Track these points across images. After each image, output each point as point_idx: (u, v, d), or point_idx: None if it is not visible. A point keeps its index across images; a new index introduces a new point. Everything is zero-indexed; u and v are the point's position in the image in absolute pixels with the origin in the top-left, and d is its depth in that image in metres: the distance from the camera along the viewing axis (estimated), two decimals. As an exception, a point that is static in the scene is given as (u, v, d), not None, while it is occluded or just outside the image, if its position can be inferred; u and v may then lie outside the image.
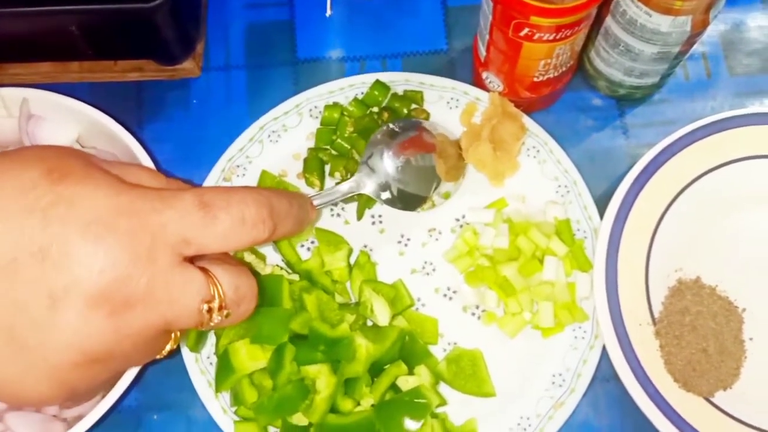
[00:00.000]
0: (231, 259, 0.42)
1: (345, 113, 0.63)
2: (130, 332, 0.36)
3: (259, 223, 0.39)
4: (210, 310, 0.38)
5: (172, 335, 0.41)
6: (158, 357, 0.42)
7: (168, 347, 0.41)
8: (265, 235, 0.40)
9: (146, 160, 0.57)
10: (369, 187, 0.58)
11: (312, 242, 0.62)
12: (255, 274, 0.58)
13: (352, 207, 0.63)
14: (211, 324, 0.38)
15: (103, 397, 0.52)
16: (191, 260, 0.38)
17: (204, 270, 0.38)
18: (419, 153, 0.60)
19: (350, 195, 0.58)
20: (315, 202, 0.53)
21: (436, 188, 0.60)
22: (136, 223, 0.35)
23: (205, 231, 0.37)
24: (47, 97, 0.59)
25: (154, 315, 0.36)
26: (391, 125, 0.60)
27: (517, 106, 0.62)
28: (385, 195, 0.59)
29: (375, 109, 0.63)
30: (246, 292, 0.40)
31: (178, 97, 0.67)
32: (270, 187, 0.42)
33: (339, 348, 0.53)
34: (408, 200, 0.60)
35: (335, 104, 0.63)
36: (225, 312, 0.39)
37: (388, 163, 0.59)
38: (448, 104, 0.64)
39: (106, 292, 0.34)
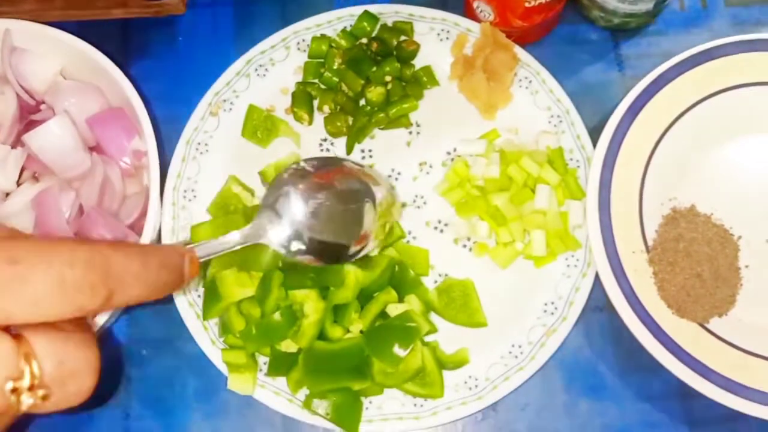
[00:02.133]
0: (65, 325, 0.32)
1: (333, 45, 0.62)
2: None
3: (86, 288, 0.30)
4: (16, 391, 0.29)
5: None
6: None
7: None
8: (94, 304, 0.31)
9: (131, 91, 0.56)
10: (272, 236, 0.47)
11: (301, 177, 0.61)
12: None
13: (341, 141, 0.62)
14: (22, 408, 0.30)
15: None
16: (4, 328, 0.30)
17: (18, 337, 0.30)
18: (338, 193, 0.50)
19: (246, 245, 0.46)
20: (198, 254, 0.42)
21: (359, 235, 0.50)
22: None
23: (11, 293, 0.29)
24: (30, 28, 0.58)
25: None
26: (302, 163, 0.50)
27: (509, 38, 0.61)
28: (296, 245, 0.48)
29: (364, 41, 0.62)
30: (77, 368, 0.31)
31: (163, 34, 0.66)
32: (121, 243, 0.34)
33: (327, 274, 0.52)
34: (324, 251, 0.49)
35: (323, 36, 0.62)
36: (40, 392, 0.30)
37: (297, 207, 0.48)
38: (438, 36, 0.63)
39: None
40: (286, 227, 0.48)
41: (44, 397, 0.30)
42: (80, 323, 0.33)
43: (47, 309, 0.30)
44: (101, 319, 0.51)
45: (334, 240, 0.50)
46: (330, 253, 0.50)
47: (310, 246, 0.48)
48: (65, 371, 0.31)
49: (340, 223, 0.50)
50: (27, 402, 0.30)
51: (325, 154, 0.61)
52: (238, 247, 0.46)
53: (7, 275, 0.29)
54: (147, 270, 0.34)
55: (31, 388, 0.30)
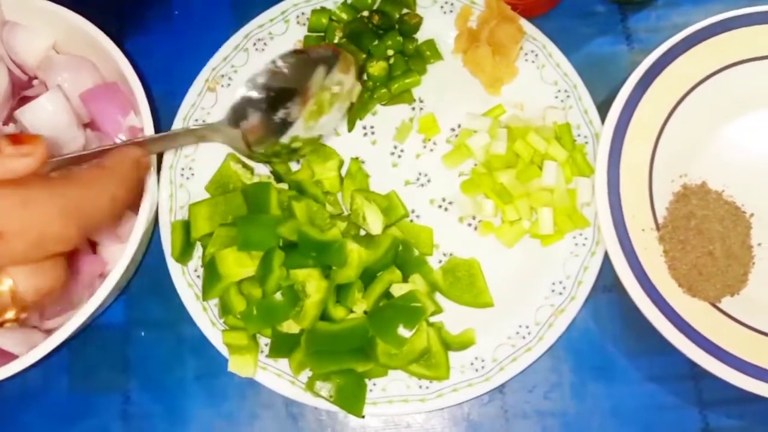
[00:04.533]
0: None
1: (333, 18, 0.60)
2: None
3: None
4: None
5: None
6: None
7: None
8: None
9: (125, 65, 0.54)
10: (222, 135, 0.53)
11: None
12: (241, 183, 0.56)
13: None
14: None
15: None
16: None
17: None
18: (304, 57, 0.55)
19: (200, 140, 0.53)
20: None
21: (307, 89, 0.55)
22: None
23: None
24: (21, 0, 0.56)
25: None
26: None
27: (514, 11, 0.59)
28: (250, 93, 0.54)
29: (365, 14, 0.61)
30: None
31: (159, 9, 0.65)
32: None
33: (330, 253, 0.51)
34: (275, 101, 0.54)
35: (323, 9, 0.61)
36: None
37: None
38: (442, 9, 0.61)
39: None
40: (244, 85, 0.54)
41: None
42: None
43: None
44: (96, 300, 0.50)
45: (286, 86, 0.54)
46: (281, 102, 0.54)
47: (265, 97, 0.54)
48: None
49: (292, 75, 0.54)
50: None
51: (326, 130, 0.60)
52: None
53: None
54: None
55: None
